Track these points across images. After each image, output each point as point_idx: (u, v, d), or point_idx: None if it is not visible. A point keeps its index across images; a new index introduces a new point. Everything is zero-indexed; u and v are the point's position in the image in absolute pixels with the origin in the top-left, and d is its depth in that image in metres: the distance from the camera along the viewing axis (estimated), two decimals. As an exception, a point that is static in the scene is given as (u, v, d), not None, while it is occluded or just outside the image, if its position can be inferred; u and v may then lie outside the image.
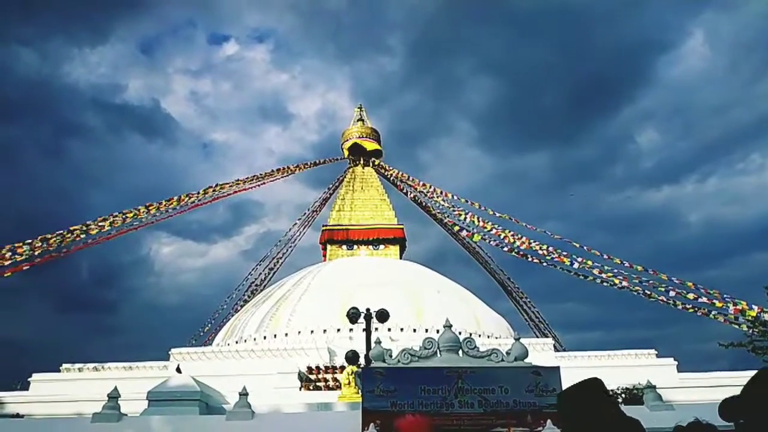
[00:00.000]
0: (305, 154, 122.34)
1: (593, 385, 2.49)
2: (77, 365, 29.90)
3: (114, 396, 14.91)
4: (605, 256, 29.04)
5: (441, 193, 41.70)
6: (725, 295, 24.64)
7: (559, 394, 2.76)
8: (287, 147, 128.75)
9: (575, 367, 24.68)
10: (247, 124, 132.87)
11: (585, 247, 30.11)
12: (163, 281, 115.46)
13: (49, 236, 26.68)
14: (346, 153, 52.53)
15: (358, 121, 54.26)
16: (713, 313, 25.05)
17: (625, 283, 27.79)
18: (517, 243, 31.86)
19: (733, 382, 22.76)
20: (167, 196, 33.43)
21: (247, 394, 15.17)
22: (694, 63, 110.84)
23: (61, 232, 27.52)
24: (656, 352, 29.63)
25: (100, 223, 28.93)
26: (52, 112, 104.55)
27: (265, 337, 32.12)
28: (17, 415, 21.74)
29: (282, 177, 46.74)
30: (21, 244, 25.43)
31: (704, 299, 25.04)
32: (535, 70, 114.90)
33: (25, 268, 25.25)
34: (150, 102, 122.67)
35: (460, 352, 12.54)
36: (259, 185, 43.73)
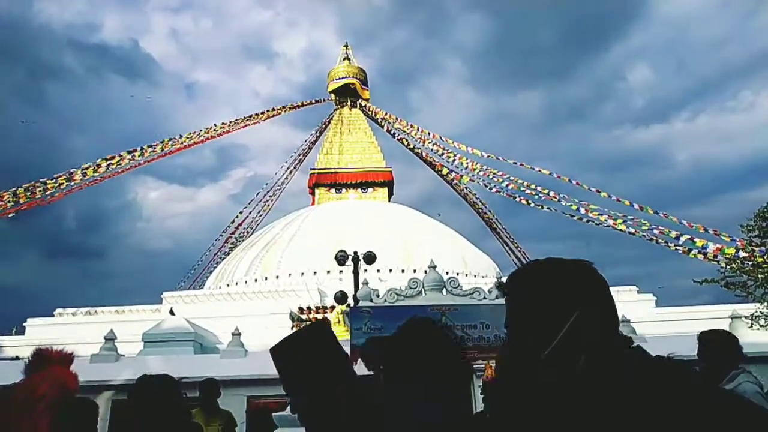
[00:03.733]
0: (291, 95, 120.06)
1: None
2: (70, 310, 30.38)
3: (110, 338, 15.30)
4: (593, 190, 29.30)
5: (429, 134, 41.40)
6: (709, 229, 25.14)
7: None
8: (273, 88, 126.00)
9: (558, 304, 25.58)
10: (231, 63, 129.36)
11: (574, 182, 30.25)
12: (152, 226, 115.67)
13: (33, 184, 26.37)
14: (332, 93, 51.39)
15: (344, 60, 52.81)
16: (693, 251, 25.66)
17: (610, 222, 28.23)
18: (505, 183, 32.02)
19: (707, 315, 23.76)
20: (151, 140, 33.03)
21: (239, 334, 15.62)
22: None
23: (45, 179, 27.19)
24: (637, 289, 30.63)
25: (83, 170, 28.57)
26: (26, 55, 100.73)
27: (255, 280, 32.65)
28: (16, 358, 22.26)
29: (267, 119, 45.99)
30: (4, 192, 25.15)
31: (686, 237, 25.57)
32: (526, 7, 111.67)
33: (10, 215, 25.11)
34: (128, 42, 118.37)
35: (444, 291, 12.91)
36: (243, 127, 43.08)
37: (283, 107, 48.11)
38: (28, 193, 26.12)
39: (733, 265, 19.41)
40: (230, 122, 40.79)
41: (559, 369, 1.22)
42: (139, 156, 31.34)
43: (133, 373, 12.10)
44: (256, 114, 44.33)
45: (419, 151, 47.44)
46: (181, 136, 34.48)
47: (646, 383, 1.14)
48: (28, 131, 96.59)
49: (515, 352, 1.31)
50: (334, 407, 1.62)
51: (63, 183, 27.82)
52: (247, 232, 46.56)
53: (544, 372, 1.23)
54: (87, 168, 28.75)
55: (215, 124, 38.61)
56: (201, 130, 36.42)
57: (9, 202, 24.98)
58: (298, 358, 1.69)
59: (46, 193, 27.34)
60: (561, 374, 1.22)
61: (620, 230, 28.27)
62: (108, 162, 29.64)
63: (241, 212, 48.20)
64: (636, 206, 27.68)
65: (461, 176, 36.28)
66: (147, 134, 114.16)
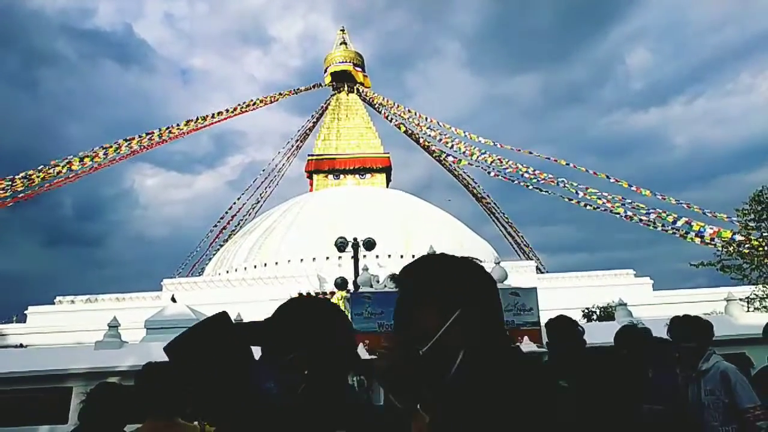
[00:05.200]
0: (288, 80, 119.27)
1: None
2: (70, 297, 30.56)
3: (114, 325, 15.43)
4: (591, 172, 29.38)
5: (426, 119, 41.32)
6: (706, 210, 25.26)
7: None
8: (269, 72, 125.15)
9: (556, 288, 25.77)
10: (227, 48, 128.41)
11: (571, 164, 30.34)
12: (150, 213, 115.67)
13: (30, 172, 26.36)
14: (329, 78, 51.06)
15: (341, 44, 52.43)
16: (690, 235, 25.78)
17: (608, 205, 28.34)
18: (504, 167, 32.09)
19: (704, 298, 24.01)
20: (147, 126, 33.30)
21: (242, 320, 15.72)
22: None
23: (42, 167, 27.17)
24: (634, 272, 30.85)
25: (81, 159, 28.55)
26: (19, 41, 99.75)
27: (255, 266, 32.80)
28: (20, 346, 22.46)
29: (264, 105, 45.83)
30: (2, 179, 25.15)
31: (683, 220, 25.68)
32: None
33: (9, 204, 25.14)
34: (122, 27, 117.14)
35: (444, 276, 13.01)
36: (241, 113, 42.93)
37: (281, 94, 47.92)
38: (26, 182, 26.13)
39: (730, 249, 19.55)
40: (228, 110, 40.66)
41: (435, 366, 1.21)
42: (136, 144, 31.31)
43: (137, 360, 12.27)
44: (253, 101, 44.17)
45: (417, 136, 47.40)
46: (178, 125, 34.41)
47: (507, 385, 1.14)
48: (23, 118, 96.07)
49: (397, 346, 1.30)
50: (232, 406, 1.56)
51: (61, 171, 27.82)
52: (246, 219, 46.66)
53: (421, 369, 1.22)
54: (84, 156, 28.73)
55: (213, 114, 38.50)
56: (198, 118, 36.32)
57: (7, 191, 25.00)
58: (195, 356, 1.60)
59: (44, 182, 27.36)
60: (437, 372, 1.21)
61: (617, 213, 28.42)
62: (105, 150, 29.62)
63: (239, 198, 48.29)
64: (634, 187, 27.78)
65: (459, 160, 36.32)
66: (142, 120, 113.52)
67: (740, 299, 16.44)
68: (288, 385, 1.57)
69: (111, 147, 29.86)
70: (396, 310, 1.33)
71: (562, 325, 3.47)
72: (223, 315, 1.72)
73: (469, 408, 1.14)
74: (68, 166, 27.94)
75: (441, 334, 1.21)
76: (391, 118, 48.63)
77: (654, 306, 23.96)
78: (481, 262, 1.38)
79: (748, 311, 15.48)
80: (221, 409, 1.57)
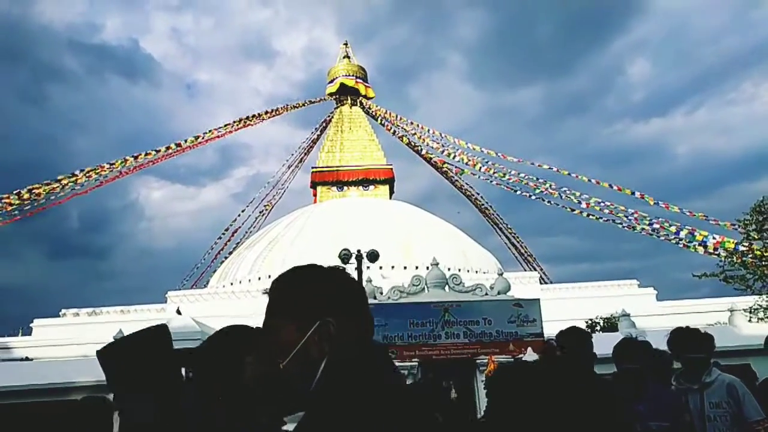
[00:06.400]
0: (292, 93, 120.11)
1: None
2: (74, 310, 30.65)
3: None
4: (593, 181, 29.39)
5: (429, 131, 41.55)
6: (710, 218, 25.21)
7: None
8: (273, 86, 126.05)
9: (559, 299, 25.73)
10: (231, 62, 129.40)
11: (573, 175, 30.36)
12: (155, 226, 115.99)
13: (38, 186, 26.60)
14: (335, 88, 51.23)
15: (344, 58, 52.84)
16: (693, 244, 25.72)
17: (611, 215, 28.29)
18: (506, 177, 32.19)
19: (707, 308, 23.94)
20: (153, 139, 33.72)
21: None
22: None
23: (49, 181, 27.42)
24: (638, 282, 30.77)
25: (87, 173, 28.83)
26: (28, 56, 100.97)
27: (259, 278, 32.87)
28: (26, 359, 22.54)
29: (269, 118, 46.20)
30: (9, 195, 25.39)
31: (686, 230, 25.64)
32: (526, 1, 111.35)
33: (16, 218, 25.37)
34: (129, 42, 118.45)
35: (447, 287, 13.10)
36: (244, 127, 43.31)
37: (285, 107, 48.28)
38: (33, 196, 26.37)
39: (733, 258, 19.53)
40: (233, 122, 41.05)
41: (297, 379, 1.17)
42: (143, 158, 31.63)
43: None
44: (258, 114, 44.55)
45: (419, 148, 47.60)
46: (186, 140, 34.81)
47: (354, 403, 1.10)
48: (31, 132, 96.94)
49: (260, 359, 1.27)
50: (151, 416, 1.54)
51: (67, 184, 28.08)
52: (250, 231, 46.82)
53: (283, 382, 1.19)
54: (91, 171, 29.01)
55: (218, 128, 38.91)
56: (204, 134, 36.76)
57: (14, 207, 25.23)
58: (126, 364, 1.58)
59: (51, 197, 27.60)
60: (299, 385, 1.17)
61: (621, 223, 28.41)
62: (111, 165, 29.90)
63: (243, 210, 48.48)
64: (637, 194, 27.76)
65: (462, 170, 36.48)
66: (148, 134, 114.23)
67: (743, 310, 16.45)
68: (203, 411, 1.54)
69: (117, 162, 30.17)
70: (263, 323, 1.30)
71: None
72: (162, 328, 1.71)
73: (322, 421, 1.11)
74: (74, 180, 28.19)
75: (300, 347, 1.18)
76: (394, 131, 48.92)
77: (658, 317, 23.91)
78: (344, 271, 1.32)
79: (750, 322, 15.47)
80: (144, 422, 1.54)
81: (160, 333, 1.70)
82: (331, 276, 1.28)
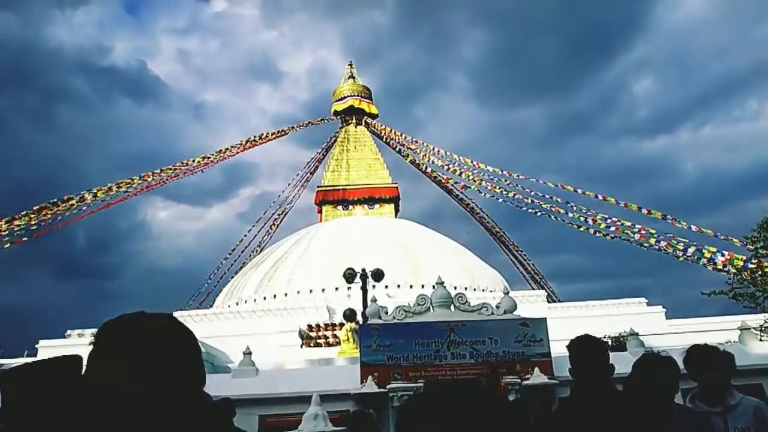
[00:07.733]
0: (298, 113, 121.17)
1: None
2: (78, 331, 30.62)
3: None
4: (601, 197, 29.28)
5: (433, 149, 41.75)
6: (718, 234, 25.03)
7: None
8: (279, 106, 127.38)
9: (567, 318, 25.49)
10: (238, 83, 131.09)
11: (579, 190, 30.30)
12: (161, 246, 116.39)
13: (45, 206, 26.86)
14: (340, 107, 51.67)
15: (349, 78, 53.43)
16: (702, 261, 25.52)
17: (618, 233, 28.15)
18: (512, 194, 32.23)
19: (717, 327, 23.63)
20: (161, 160, 33.92)
21: (250, 353, 15.72)
22: (692, 7, 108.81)
23: (56, 201, 27.66)
24: (646, 301, 30.47)
25: (95, 194, 29.10)
26: (38, 78, 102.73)
27: (264, 298, 32.81)
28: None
29: (275, 138, 46.61)
30: (17, 216, 25.63)
31: (694, 247, 25.46)
32: (530, 21, 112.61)
33: (24, 240, 25.56)
34: (137, 63, 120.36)
35: (452, 307, 13.02)
36: (251, 147, 43.73)
37: (291, 127, 48.78)
38: (40, 216, 26.60)
39: (743, 274, 19.32)
40: (239, 143, 41.48)
41: None
42: (151, 179, 31.96)
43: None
44: (264, 135, 44.98)
45: (424, 166, 47.79)
46: (194, 160, 35.18)
47: None
48: (41, 153, 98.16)
49: None
50: None
51: (74, 204, 28.33)
52: (256, 251, 46.87)
53: None
54: (98, 191, 29.29)
55: (224, 148, 39.38)
56: (212, 154, 37.18)
57: (22, 229, 25.45)
58: (27, 391, 1.48)
59: (58, 218, 27.83)
60: None
61: (627, 241, 28.24)
62: (118, 185, 30.21)
63: (249, 230, 48.66)
64: (644, 210, 27.65)
65: (466, 186, 36.59)
66: (156, 155, 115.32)
67: (754, 328, 16.21)
68: None
69: (124, 182, 30.47)
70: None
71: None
72: (75, 359, 1.55)
73: None
74: (82, 201, 28.46)
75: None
76: (399, 149, 49.19)
77: (667, 335, 23.63)
78: (174, 320, 1.20)
79: (761, 340, 15.24)
80: None
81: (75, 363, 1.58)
82: (161, 328, 1.16)
